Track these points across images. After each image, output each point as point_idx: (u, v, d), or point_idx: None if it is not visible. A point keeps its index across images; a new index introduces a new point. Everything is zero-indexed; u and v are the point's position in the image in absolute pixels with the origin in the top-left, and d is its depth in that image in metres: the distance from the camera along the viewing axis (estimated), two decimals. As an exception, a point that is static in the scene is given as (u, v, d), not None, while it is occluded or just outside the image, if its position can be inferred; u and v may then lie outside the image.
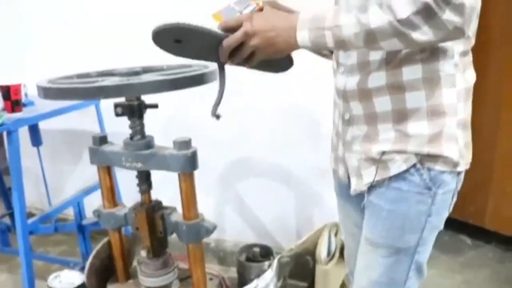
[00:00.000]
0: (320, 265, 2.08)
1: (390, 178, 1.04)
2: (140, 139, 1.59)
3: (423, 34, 0.84)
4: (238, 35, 0.97)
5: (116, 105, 1.54)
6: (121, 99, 1.57)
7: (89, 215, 2.23)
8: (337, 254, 2.11)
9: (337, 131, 1.20)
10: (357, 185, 1.11)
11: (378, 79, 1.01)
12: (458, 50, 0.98)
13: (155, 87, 1.36)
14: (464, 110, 1.03)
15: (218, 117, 1.12)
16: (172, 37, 1.00)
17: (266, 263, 2.24)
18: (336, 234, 2.15)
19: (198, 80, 1.46)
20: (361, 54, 1.04)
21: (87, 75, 1.71)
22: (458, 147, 1.02)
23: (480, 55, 2.53)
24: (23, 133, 2.15)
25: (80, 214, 2.38)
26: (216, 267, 2.54)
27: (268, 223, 2.56)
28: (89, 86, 1.39)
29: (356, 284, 1.20)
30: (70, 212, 2.47)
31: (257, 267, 2.23)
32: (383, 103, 1.02)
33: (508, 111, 2.52)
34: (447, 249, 2.70)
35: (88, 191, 2.44)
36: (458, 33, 0.84)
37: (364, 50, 1.01)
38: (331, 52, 1.22)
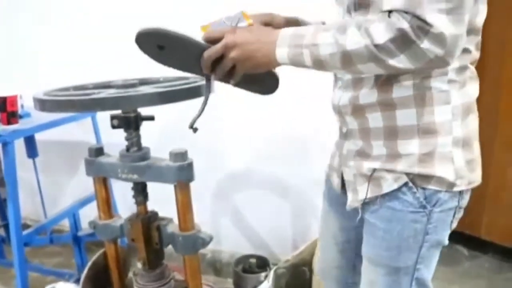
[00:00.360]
0: (317, 276, 2.07)
1: (384, 197, 1.02)
2: (136, 151, 1.59)
3: (399, 62, 0.82)
4: (218, 46, 0.96)
5: (113, 117, 1.54)
6: (118, 111, 1.57)
7: (84, 227, 2.23)
8: (333, 265, 2.10)
9: (337, 142, 1.20)
10: (352, 202, 1.10)
11: (369, 95, 0.99)
12: (454, 66, 0.94)
13: (151, 100, 1.36)
14: (462, 128, 0.98)
15: (195, 130, 1.11)
16: (154, 42, 1.01)
17: (263, 274, 2.23)
18: (332, 245, 2.15)
19: (194, 92, 1.46)
20: None
21: (83, 87, 1.71)
22: (454, 167, 0.97)
23: (476, 67, 2.57)
24: (19, 144, 2.15)
25: (75, 225, 2.37)
26: (213, 278, 2.54)
27: (264, 234, 2.56)
28: (86, 99, 1.39)
29: None
30: (65, 224, 2.46)
31: (254, 278, 2.23)
32: (375, 119, 1.00)
33: (504, 124, 2.53)
34: (444, 259, 2.65)
35: (83, 202, 2.44)
36: (439, 62, 0.82)
37: (345, 72, 0.98)
38: None
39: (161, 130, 2.23)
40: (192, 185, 1.58)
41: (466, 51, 0.95)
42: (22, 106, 2.19)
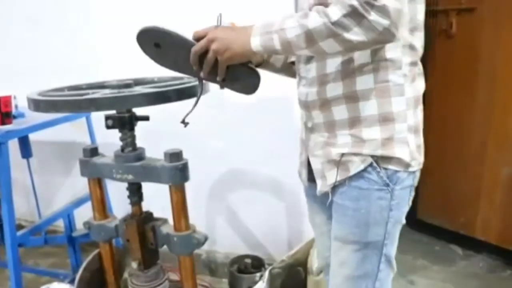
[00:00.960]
0: (312, 276, 2.08)
1: (351, 178, 1.13)
2: (131, 151, 1.59)
3: (355, 35, 0.93)
4: (203, 41, 1.10)
5: (107, 117, 1.54)
6: (112, 111, 1.57)
7: (79, 227, 2.22)
8: (328, 265, 2.11)
9: (301, 138, 1.32)
10: (322, 187, 1.20)
11: (335, 89, 1.11)
12: (406, 61, 1.08)
13: (146, 100, 1.36)
14: (414, 116, 1.12)
15: (186, 124, 1.26)
16: (151, 41, 1.14)
17: (258, 274, 2.23)
18: (327, 245, 2.15)
19: (189, 93, 1.46)
20: (320, 67, 1.14)
21: (78, 87, 1.71)
22: (409, 150, 1.11)
23: (469, 73, 2.59)
24: (13, 145, 2.14)
25: (70, 226, 2.37)
26: (208, 279, 2.53)
27: (259, 234, 2.56)
28: (80, 99, 1.39)
29: (332, 283, 1.29)
30: (60, 224, 2.46)
31: (249, 279, 2.23)
32: (340, 112, 1.12)
33: (498, 123, 2.54)
34: (438, 259, 2.71)
35: (78, 203, 2.43)
36: (388, 34, 0.93)
37: (308, 53, 1.06)
38: (289, 69, 1.37)
39: (156, 130, 2.23)
40: (187, 185, 1.58)
41: (413, 48, 1.10)
42: (16, 106, 2.19)
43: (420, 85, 1.15)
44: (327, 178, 1.18)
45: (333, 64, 1.11)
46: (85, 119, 2.47)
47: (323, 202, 1.26)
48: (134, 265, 1.68)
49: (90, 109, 1.42)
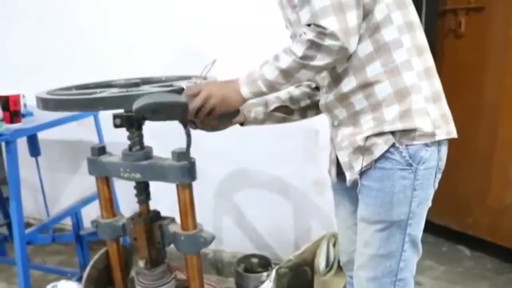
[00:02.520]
0: (319, 276, 2.07)
1: (376, 161, 1.20)
2: (138, 150, 1.59)
3: (319, 60, 1.11)
4: (199, 99, 1.25)
5: (115, 116, 1.55)
6: (120, 110, 1.57)
7: (87, 225, 2.23)
8: (335, 265, 2.10)
9: (330, 137, 1.40)
10: (351, 176, 1.27)
11: (349, 83, 1.21)
12: (406, 38, 1.17)
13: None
14: (429, 87, 1.19)
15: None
16: (152, 109, 1.28)
17: (265, 274, 2.23)
18: (334, 245, 2.15)
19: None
20: (332, 71, 1.24)
21: (85, 86, 1.71)
22: (430, 119, 1.17)
23: (477, 72, 2.57)
24: (22, 143, 2.16)
25: (78, 224, 2.38)
26: (214, 278, 2.54)
27: (266, 233, 2.56)
28: (88, 98, 1.40)
29: (357, 263, 1.34)
30: (68, 222, 2.47)
31: (256, 278, 2.23)
32: (359, 101, 1.21)
33: (506, 124, 2.52)
34: (446, 259, 2.69)
35: (86, 201, 2.44)
36: (343, 52, 1.11)
37: (290, 85, 1.21)
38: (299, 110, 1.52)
39: (163, 129, 2.23)
40: (195, 184, 1.59)
41: (409, 24, 1.18)
42: (25, 105, 2.20)
43: (426, 57, 1.21)
44: (355, 167, 1.25)
45: (342, 65, 1.21)
46: (93, 118, 2.48)
47: (351, 195, 1.35)
48: (141, 263, 1.68)
49: (98, 108, 1.42)
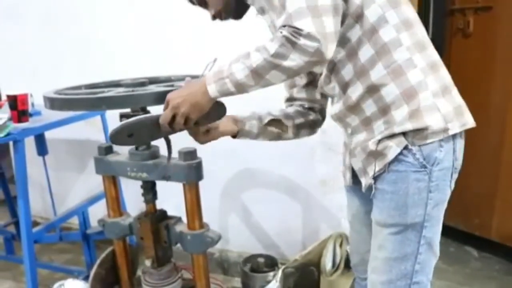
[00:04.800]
0: (325, 276, 2.07)
1: (389, 164, 1.17)
2: (145, 149, 1.59)
3: (292, 61, 1.04)
4: (167, 111, 1.22)
5: (122, 115, 1.55)
6: (127, 109, 1.57)
7: (93, 224, 2.23)
8: (342, 266, 2.10)
9: (344, 142, 1.39)
10: (366, 181, 1.25)
11: (356, 90, 1.19)
12: (404, 36, 1.14)
13: (158, 99, 1.35)
14: (436, 81, 1.15)
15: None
16: (124, 135, 1.27)
17: (271, 273, 2.23)
18: (341, 245, 2.14)
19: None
20: (339, 81, 1.22)
21: (94, 86, 1.72)
22: (441, 114, 1.14)
23: (486, 72, 2.55)
24: (29, 142, 2.17)
25: (84, 223, 2.39)
26: (221, 277, 2.54)
27: (272, 233, 2.55)
28: (92, 97, 1.40)
29: (370, 267, 1.32)
30: (74, 221, 2.48)
31: (262, 278, 2.23)
32: (369, 107, 1.19)
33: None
34: (453, 260, 2.68)
35: (93, 200, 2.45)
36: (318, 55, 1.03)
37: (259, 87, 1.14)
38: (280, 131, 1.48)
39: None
40: (201, 184, 1.59)
41: (407, 21, 1.15)
42: (32, 104, 2.21)
43: (429, 52, 1.18)
44: (369, 172, 1.23)
45: (348, 72, 1.20)
46: (100, 117, 2.48)
47: (364, 195, 1.30)
48: (147, 263, 1.69)
49: (103, 107, 1.43)
